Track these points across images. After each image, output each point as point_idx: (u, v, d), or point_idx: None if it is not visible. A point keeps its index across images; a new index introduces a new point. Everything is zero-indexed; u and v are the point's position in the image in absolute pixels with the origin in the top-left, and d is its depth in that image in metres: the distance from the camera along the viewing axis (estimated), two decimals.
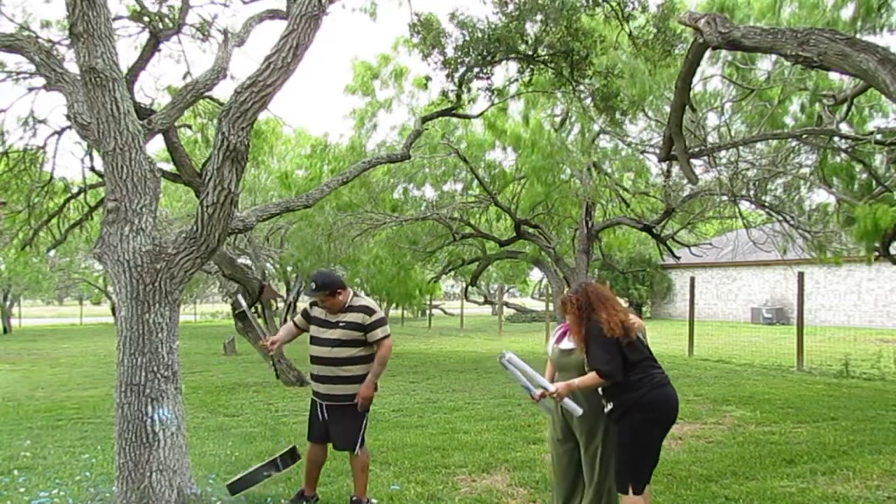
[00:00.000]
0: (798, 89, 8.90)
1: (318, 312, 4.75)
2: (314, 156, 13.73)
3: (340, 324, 4.62)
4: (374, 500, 4.90)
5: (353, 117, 13.69)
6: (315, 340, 4.70)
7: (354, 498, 4.77)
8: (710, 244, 21.26)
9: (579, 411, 3.77)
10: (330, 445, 4.80)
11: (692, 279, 16.05)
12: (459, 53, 8.10)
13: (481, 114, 11.56)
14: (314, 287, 4.64)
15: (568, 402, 3.78)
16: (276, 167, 19.20)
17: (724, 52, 7.83)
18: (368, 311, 4.64)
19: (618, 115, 8.79)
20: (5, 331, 28.21)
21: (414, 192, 14.37)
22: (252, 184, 19.00)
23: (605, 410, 3.83)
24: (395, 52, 13.48)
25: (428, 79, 10.25)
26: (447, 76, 8.44)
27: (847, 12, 7.42)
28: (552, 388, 3.82)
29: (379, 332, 4.62)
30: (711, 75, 9.52)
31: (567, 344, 4.21)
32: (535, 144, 11.21)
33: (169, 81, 10.07)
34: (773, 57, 7.45)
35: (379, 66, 13.42)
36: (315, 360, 4.69)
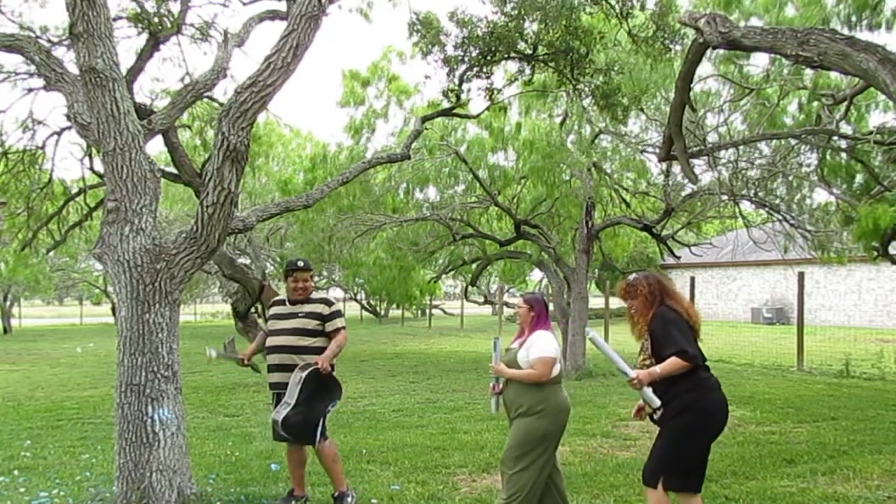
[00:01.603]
0: (796, 88, 8.89)
1: (275, 310, 4.90)
2: (315, 167, 13.72)
3: (300, 314, 4.74)
4: (374, 501, 4.90)
5: (351, 127, 13.62)
6: (274, 332, 4.79)
7: (336, 494, 4.77)
8: (711, 244, 21.23)
9: (657, 402, 3.59)
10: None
11: (692, 279, 16.04)
12: (460, 52, 8.09)
13: (480, 114, 11.55)
14: (302, 265, 4.81)
15: (647, 391, 3.58)
16: (276, 170, 19.17)
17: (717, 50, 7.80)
18: (328, 302, 4.86)
19: (619, 113, 8.75)
20: (5, 331, 28.20)
21: (417, 194, 14.34)
22: (251, 186, 18.99)
23: (656, 415, 3.66)
24: (388, 61, 13.43)
25: (427, 77, 10.26)
26: (447, 74, 8.43)
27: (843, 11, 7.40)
28: (633, 374, 3.58)
29: (338, 322, 4.79)
30: (708, 75, 9.51)
31: (513, 344, 4.27)
32: (533, 145, 11.20)
33: (168, 85, 9.96)
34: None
35: (370, 74, 13.35)
36: (273, 349, 4.75)
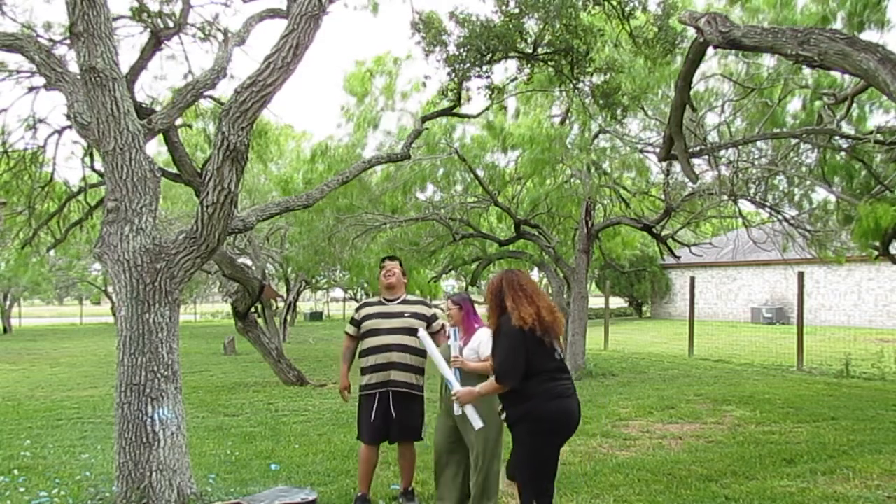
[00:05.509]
0: (799, 87, 8.88)
1: (370, 310, 4.87)
2: (315, 159, 13.71)
3: (406, 314, 4.80)
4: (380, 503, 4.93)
5: (350, 120, 13.61)
6: (377, 332, 4.76)
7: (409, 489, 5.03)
8: (711, 244, 21.23)
9: (479, 424, 3.65)
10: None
11: (692, 279, 16.06)
12: (461, 51, 8.08)
13: (480, 113, 11.54)
14: (394, 256, 5.00)
15: (470, 409, 3.63)
16: (275, 171, 19.15)
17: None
18: (427, 304, 4.99)
19: (618, 112, 8.74)
20: (5, 331, 28.22)
21: (419, 195, 14.33)
22: (251, 184, 18.99)
23: (501, 415, 3.69)
24: (395, 65, 13.40)
25: (427, 77, 10.26)
26: (448, 74, 8.42)
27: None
28: (456, 389, 3.75)
29: (440, 322, 4.88)
30: (711, 74, 9.51)
31: (450, 342, 4.33)
32: (533, 139, 11.20)
33: (170, 84, 9.97)
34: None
35: (373, 68, 13.35)
36: (378, 349, 4.73)
